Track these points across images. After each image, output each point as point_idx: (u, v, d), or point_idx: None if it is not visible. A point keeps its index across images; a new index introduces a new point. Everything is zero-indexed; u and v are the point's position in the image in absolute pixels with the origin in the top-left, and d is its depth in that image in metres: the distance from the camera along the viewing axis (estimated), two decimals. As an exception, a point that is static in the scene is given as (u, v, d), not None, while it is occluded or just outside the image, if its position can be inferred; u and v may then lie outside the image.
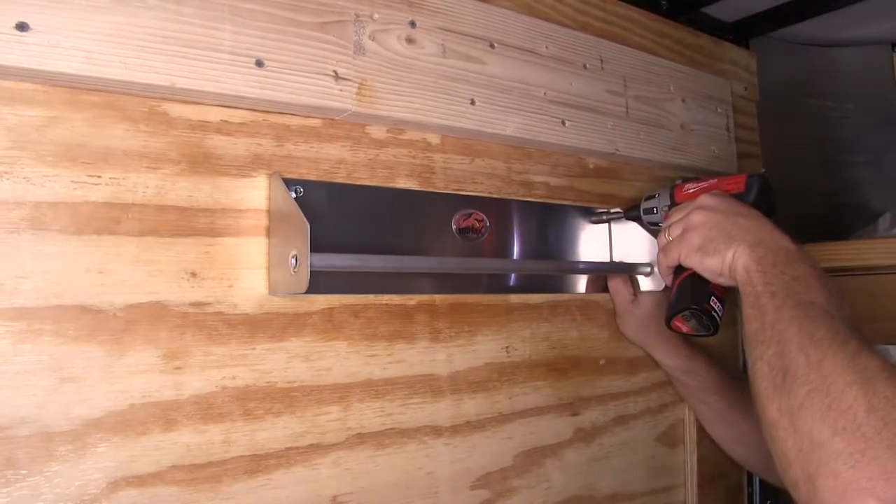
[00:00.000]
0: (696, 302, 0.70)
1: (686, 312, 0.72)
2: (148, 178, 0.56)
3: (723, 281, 0.67)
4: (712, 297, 0.70)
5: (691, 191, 0.79)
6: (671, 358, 0.86)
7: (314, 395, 0.63)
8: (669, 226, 0.73)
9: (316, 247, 0.55)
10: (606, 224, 0.88)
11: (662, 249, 0.73)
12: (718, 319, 0.71)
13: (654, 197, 0.83)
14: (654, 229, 0.83)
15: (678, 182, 0.82)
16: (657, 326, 0.81)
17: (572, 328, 0.85)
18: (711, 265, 0.66)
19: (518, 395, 0.78)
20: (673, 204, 0.80)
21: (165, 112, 0.58)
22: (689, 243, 0.69)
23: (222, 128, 0.60)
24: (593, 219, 0.87)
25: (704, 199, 0.71)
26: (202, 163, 0.59)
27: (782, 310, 0.55)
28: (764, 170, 1.04)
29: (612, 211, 0.87)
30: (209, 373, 0.58)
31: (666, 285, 0.76)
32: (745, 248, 0.62)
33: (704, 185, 0.78)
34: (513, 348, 0.79)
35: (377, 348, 0.68)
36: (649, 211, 0.83)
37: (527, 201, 0.81)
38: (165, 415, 0.56)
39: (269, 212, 0.62)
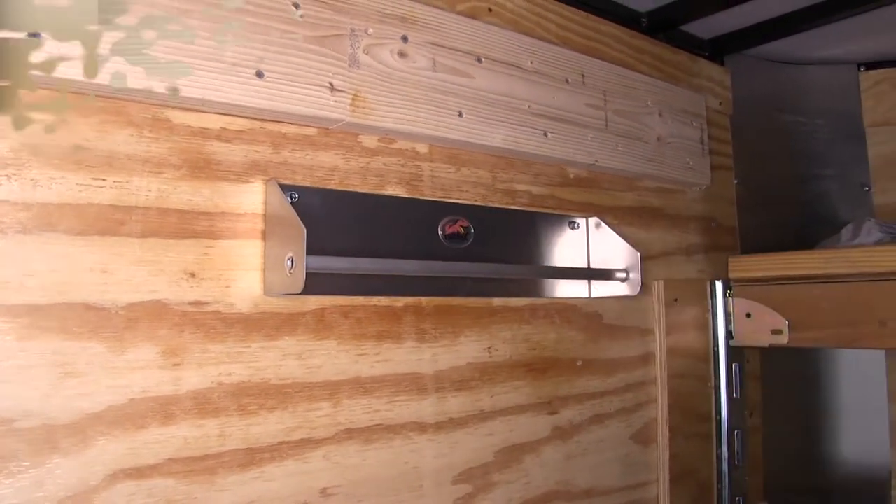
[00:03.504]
0: None
1: None
2: (150, 181, 0.59)
3: None
4: None
5: None
6: None
7: (306, 392, 0.66)
8: None
9: (309, 250, 0.58)
10: (584, 232, 0.92)
11: None
12: None
13: None
14: None
15: None
16: None
17: (551, 330, 0.88)
18: None
19: (499, 393, 0.82)
20: None
21: (168, 119, 0.60)
22: None
23: (222, 135, 0.63)
24: None
25: None
26: (202, 168, 0.62)
27: None
28: None
29: None
30: (206, 369, 0.60)
31: None
32: None
33: None
34: (494, 349, 0.82)
35: (366, 347, 0.71)
36: None
37: (510, 209, 0.85)
38: (164, 409, 0.58)
39: (265, 216, 0.65)
